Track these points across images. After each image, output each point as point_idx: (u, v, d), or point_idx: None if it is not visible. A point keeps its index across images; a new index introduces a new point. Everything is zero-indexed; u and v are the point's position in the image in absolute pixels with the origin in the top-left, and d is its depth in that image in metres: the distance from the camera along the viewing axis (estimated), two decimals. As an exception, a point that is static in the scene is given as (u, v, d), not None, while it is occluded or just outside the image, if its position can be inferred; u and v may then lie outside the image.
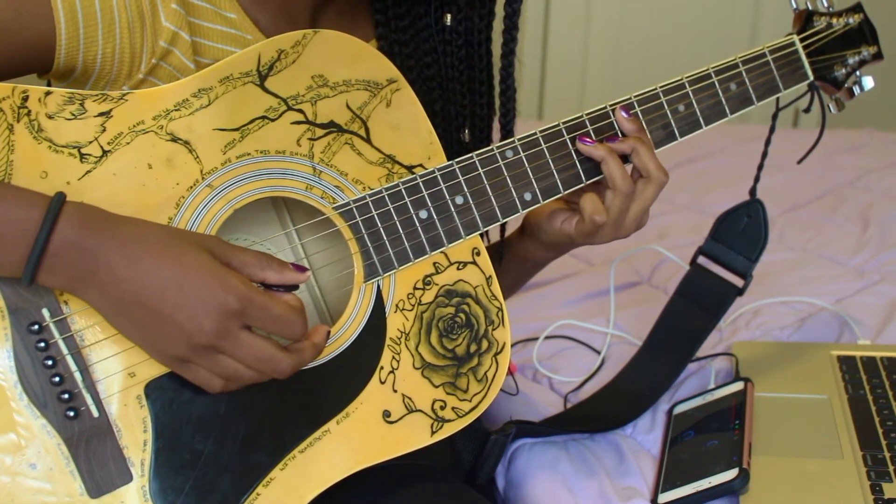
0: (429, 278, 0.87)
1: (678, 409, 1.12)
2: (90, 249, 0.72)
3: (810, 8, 1.05)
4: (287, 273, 0.78)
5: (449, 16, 0.98)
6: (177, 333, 0.73)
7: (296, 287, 0.79)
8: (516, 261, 1.06)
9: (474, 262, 0.89)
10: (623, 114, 0.93)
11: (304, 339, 0.78)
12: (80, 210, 0.73)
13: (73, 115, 0.78)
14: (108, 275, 0.72)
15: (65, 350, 0.76)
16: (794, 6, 1.05)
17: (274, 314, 0.75)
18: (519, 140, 0.91)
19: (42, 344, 0.76)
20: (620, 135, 0.94)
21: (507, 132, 1.01)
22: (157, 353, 0.76)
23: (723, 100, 0.98)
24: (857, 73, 1.05)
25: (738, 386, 1.11)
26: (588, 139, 0.92)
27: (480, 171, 0.89)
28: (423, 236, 0.87)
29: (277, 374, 0.76)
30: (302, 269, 0.79)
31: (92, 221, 0.73)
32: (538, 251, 1.03)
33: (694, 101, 0.97)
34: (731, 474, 0.94)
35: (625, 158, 0.93)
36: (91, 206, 0.75)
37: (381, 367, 0.85)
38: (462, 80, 1.01)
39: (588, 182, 0.94)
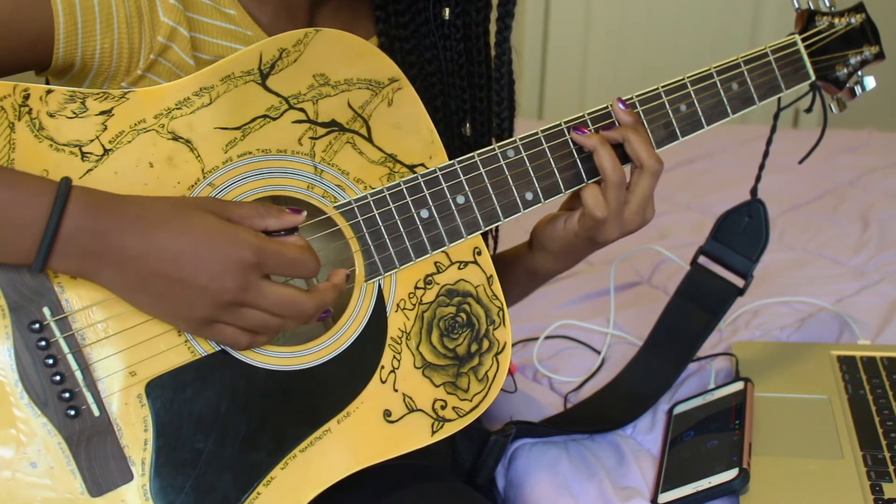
0: (430, 277, 0.87)
1: (678, 409, 1.12)
2: (101, 232, 0.73)
3: (812, 7, 1.05)
4: (286, 217, 0.80)
5: (447, 10, 0.98)
6: (200, 297, 0.75)
7: (296, 229, 0.81)
8: (526, 275, 1.05)
9: (475, 262, 0.89)
10: (620, 105, 0.93)
11: (319, 271, 0.80)
12: (87, 194, 0.73)
13: (75, 113, 0.78)
14: (123, 254, 0.73)
15: (65, 349, 0.76)
16: (797, 6, 1.05)
17: (289, 257, 0.77)
18: (520, 139, 0.91)
19: (43, 342, 0.76)
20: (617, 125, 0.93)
21: (501, 121, 1.01)
22: (181, 320, 0.77)
23: (724, 99, 0.98)
24: (859, 72, 1.05)
25: (738, 386, 1.11)
26: (583, 129, 0.92)
27: (482, 170, 0.89)
28: (424, 235, 0.87)
29: (302, 316, 0.79)
30: (297, 210, 0.81)
31: (100, 204, 0.74)
32: (547, 262, 1.01)
33: (696, 101, 0.97)
34: (731, 474, 0.94)
35: (625, 156, 0.93)
36: (96, 189, 0.75)
37: (382, 367, 0.85)
38: (462, 74, 1.01)
39: (589, 182, 0.93)
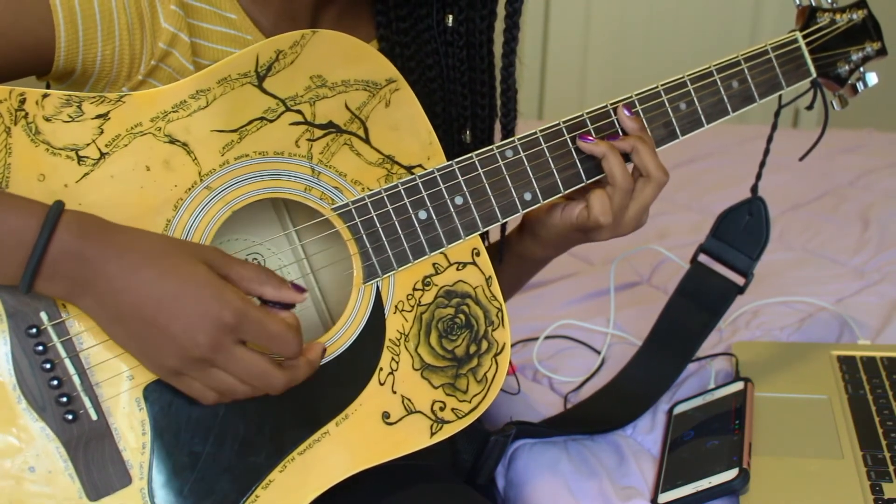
0: (428, 279, 0.87)
1: (678, 410, 1.12)
2: (88, 258, 0.72)
3: (813, 4, 1.04)
4: (285, 291, 0.77)
5: (451, 16, 0.98)
6: (171, 345, 0.73)
7: (293, 305, 0.78)
8: (515, 259, 1.05)
9: (474, 263, 0.89)
10: (625, 112, 0.93)
11: (300, 355, 0.77)
12: (78, 218, 0.73)
13: (71, 117, 0.77)
14: (106, 284, 0.72)
15: (63, 353, 0.76)
16: (797, 2, 1.05)
17: (269, 331, 0.74)
18: (519, 140, 0.91)
19: (40, 347, 0.76)
20: (621, 133, 0.93)
21: (507, 132, 1.01)
22: (151, 363, 0.76)
23: (725, 97, 0.98)
24: (861, 69, 1.04)
25: (739, 386, 1.11)
26: (589, 137, 0.92)
27: (480, 171, 0.89)
28: (422, 237, 0.87)
29: (270, 389, 0.76)
30: (301, 289, 0.78)
31: (90, 230, 0.73)
32: (537, 249, 1.02)
33: (696, 99, 0.96)
34: (731, 474, 0.94)
35: (626, 158, 0.93)
36: (89, 214, 0.74)
37: (381, 369, 0.85)
38: (463, 81, 1.01)
39: (588, 182, 0.93)
